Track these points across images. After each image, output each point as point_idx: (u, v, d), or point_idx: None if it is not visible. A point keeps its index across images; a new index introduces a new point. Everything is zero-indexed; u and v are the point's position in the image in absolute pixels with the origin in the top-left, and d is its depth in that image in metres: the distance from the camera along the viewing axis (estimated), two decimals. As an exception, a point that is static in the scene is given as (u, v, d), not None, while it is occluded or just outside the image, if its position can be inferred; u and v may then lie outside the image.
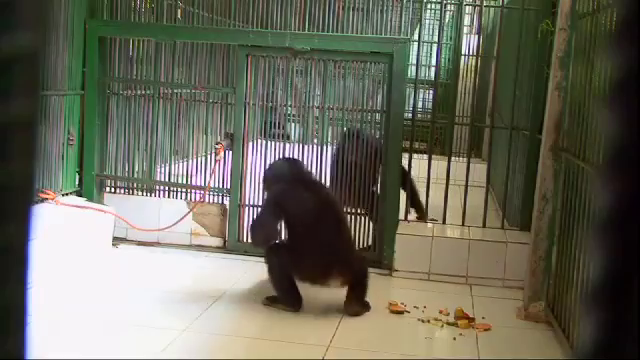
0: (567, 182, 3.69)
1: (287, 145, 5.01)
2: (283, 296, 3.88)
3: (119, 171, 5.13)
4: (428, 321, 3.81)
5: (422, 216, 4.93)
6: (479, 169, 6.09)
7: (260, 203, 4.92)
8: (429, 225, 4.83)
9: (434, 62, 7.69)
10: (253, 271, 4.52)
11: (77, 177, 5.04)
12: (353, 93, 4.94)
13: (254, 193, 4.94)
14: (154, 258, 4.70)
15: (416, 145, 5.18)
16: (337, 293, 4.21)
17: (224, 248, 4.93)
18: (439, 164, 5.49)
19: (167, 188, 5.11)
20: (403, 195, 4.84)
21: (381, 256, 4.72)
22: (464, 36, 9.08)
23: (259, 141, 5.06)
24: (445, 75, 9.15)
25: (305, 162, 4.87)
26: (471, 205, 4.93)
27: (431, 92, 9.11)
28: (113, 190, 5.16)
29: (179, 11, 5.52)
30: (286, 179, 4.01)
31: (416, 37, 6.08)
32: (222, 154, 4.84)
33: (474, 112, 6.52)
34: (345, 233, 4.01)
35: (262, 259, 4.72)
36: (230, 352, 3.30)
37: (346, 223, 4.11)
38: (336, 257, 3.82)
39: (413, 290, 4.34)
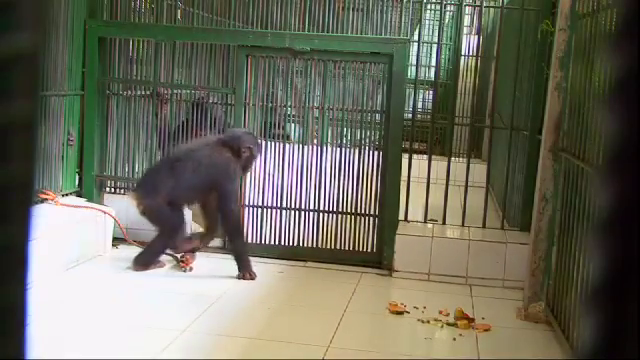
0: (567, 182, 3.69)
1: (287, 145, 5.02)
2: None
3: (119, 171, 5.13)
4: (428, 321, 3.81)
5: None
6: (479, 169, 6.09)
7: (259, 203, 4.94)
8: (429, 225, 4.83)
9: (434, 62, 7.69)
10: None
11: (77, 177, 5.04)
12: (353, 93, 4.95)
13: (254, 193, 4.94)
14: (154, 258, 4.69)
15: (416, 145, 5.18)
16: (337, 294, 4.21)
17: (224, 248, 4.93)
18: (439, 164, 5.50)
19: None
20: (403, 195, 4.84)
21: (381, 256, 4.73)
22: (464, 36, 9.08)
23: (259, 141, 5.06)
24: (445, 75, 9.15)
25: (304, 163, 4.89)
26: (471, 205, 4.94)
27: (431, 92, 9.11)
28: (113, 190, 5.16)
29: (179, 12, 5.52)
30: None
31: (416, 37, 6.08)
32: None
33: (474, 112, 6.52)
34: (162, 174, 4.46)
35: (262, 259, 4.74)
36: (230, 352, 3.30)
37: (171, 169, 4.45)
38: (144, 181, 4.55)
39: (413, 290, 4.34)
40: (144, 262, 4.42)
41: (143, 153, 5.13)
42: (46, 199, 4.53)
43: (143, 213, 4.44)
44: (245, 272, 4.38)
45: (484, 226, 4.81)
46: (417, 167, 5.16)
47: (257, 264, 4.68)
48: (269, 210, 4.93)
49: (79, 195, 4.99)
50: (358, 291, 4.28)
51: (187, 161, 4.42)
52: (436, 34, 7.86)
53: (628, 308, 0.47)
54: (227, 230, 4.49)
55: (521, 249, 4.33)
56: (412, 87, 5.50)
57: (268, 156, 4.93)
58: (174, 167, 4.42)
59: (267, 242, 4.92)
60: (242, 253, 4.45)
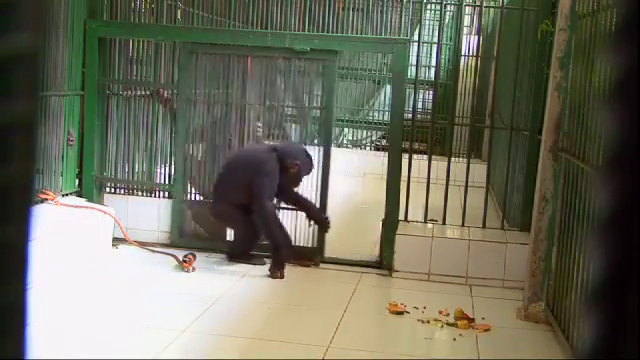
0: (567, 182, 3.69)
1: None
2: None
3: (119, 172, 5.12)
4: (428, 321, 3.81)
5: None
6: (479, 169, 6.09)
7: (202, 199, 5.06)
8: (429, 225, 4.83)
9: (434, 62, 7.69)
10: (252, 272, 4.52)
11: (77, 177, 5.04)
12: (299, 90, 4.96)
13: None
14: (154, 258, 4.70)
15: (416, 145, 5.17)
16: (337, 294, 4.21)
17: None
18: (439, 164, 5.49)
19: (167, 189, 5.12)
20: (403, 195, 4.83)
21: (381, 256, 4.72)
22: (464, 36, 9.08)
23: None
24: (445, 75, 9.15)
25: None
26: (471, 205, 4.93)
27: (431, 92, 9.11)
28: (113, 190, 5.15)
29: (179, 12, 5.52)
30: None
31: (416, 37, 6.08)
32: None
33: (474, 112, 6.52)
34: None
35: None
36: (230, 352, 3.30)
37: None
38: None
39: (413, 290, 4.34)
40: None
41: (143, 153, 5.13)
42: (46, 199, 4.53)
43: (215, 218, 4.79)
44: (274, 270, 4.44)
45: (484, 226, 4.80)
46: (417, 167, 5.16)
47: (257, 265, 4.68)
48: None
49: (79, 195, 4.98)
50: (358, 291, 4.28)
51: (235, 163, 4.66)
52: (436, 34, 7.85)
53: (628, 308, 0.47)
54: (259, 227, 4.54)
55: (521, 249, 4.33)
56: (412, 87, 5.49)
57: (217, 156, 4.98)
58: (225, 171, 4.67)
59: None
60: (274, 251, 4.50)
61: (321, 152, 4.83)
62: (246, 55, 4.85)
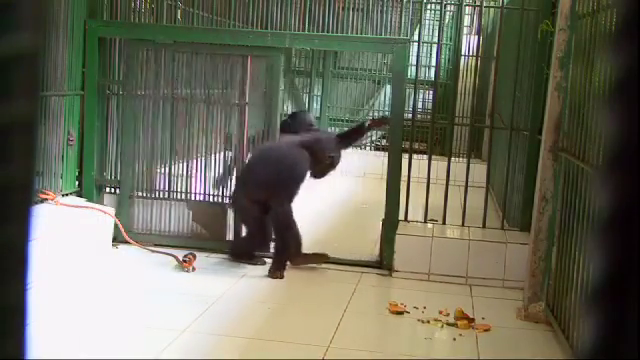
0: (567, 182, 3.69)
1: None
2: None
3: (119, 173, 5.12)
4: (428, 321, 3.81)
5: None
6: (479, 169, 6.09)
7: (148, 194, 5.03)
8: (429, 225, 4.83)
9: (434, 62, 7.69)
10: (252, 272, 4.52)
11: (77, 179, 5.04)
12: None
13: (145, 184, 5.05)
14: (154, 258, 4.70)
15: (416, 145, 5.16)
16: (337, 294, 4.21)
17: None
18: (439, 164, 5.50)
19: (167, 189, 5.11)
20: (403, 195, 4.83)
21: (381, 256, 4.72)
22: (464, 36, 9.08)
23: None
24: (445, 75, 9.14)
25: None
26: (471, 205, 4.93)
27: (431, 92, 9.11)
28: (113, 190, 5.15)
29: (179, 12, 5.52)
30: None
31: (416, 37, 6.08)
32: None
33: (474, 112, 6.52)
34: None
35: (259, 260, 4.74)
36: (230, 352, 3.30)
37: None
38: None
39: (413, 290, 4.34)
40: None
41: (143, 154, 5.12)
42: (46, 199, 4.53)
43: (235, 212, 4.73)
44: (274, 270, 4.41)
45: (484, 226, 4.81)
46: (417, 167, 5.16)
47: (256, 265, 4.68)
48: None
49: (79, 195, 4.98)
50: (358, 291, 4.28)
51: (265, 157, 4.56)
52: (436, 34, 7.85)
53: (628, 308, 0.47)
54: (273, 225, 4.49)
55: (521, 249, 4.33)
56: (412, 87, 5.50)
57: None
58: (253, 164, 4.57)
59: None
60: (278, 253, 4.48)
61: None
62: (196, 52, 4.86)
